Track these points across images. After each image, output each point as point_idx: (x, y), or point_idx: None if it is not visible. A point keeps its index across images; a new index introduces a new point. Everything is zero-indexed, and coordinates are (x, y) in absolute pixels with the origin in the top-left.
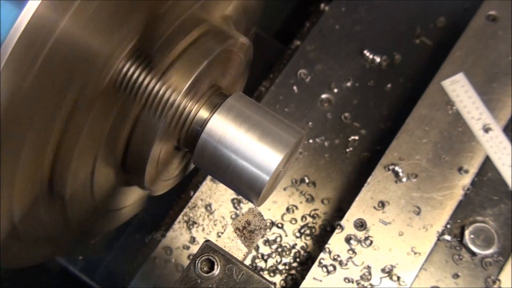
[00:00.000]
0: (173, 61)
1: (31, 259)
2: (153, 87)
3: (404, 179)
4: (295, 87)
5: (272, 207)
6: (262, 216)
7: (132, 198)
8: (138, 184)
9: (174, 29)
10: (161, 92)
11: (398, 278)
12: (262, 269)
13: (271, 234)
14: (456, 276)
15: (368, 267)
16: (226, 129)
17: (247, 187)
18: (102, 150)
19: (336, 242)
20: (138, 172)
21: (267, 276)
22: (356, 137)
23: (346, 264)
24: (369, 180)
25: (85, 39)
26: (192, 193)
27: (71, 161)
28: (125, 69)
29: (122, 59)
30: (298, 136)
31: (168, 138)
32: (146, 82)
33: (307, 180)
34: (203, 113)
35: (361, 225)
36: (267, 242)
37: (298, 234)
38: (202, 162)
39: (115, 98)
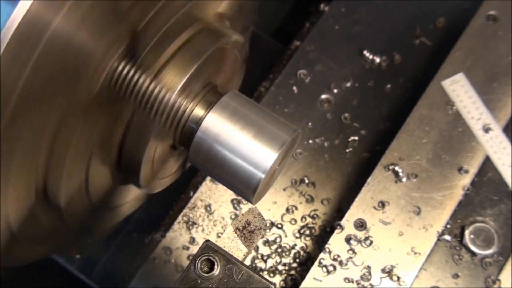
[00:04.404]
0: (167, 59)
1: (28, 258)
2: (148, 86)
3: (404, 179)
4: (294, 88)
5: (271, 208)
6: (262, 216)
7: (129, 196)
8: (134, 182)
9: (168, 28)
10: (155, 91)
11: (398, 278)
12: (261, 270)
13: (270, 235)
14: (456, 276)
15: (368, 267)
16: (221, 127)
17: (243, 185)
18: (97, 150)
19: (336, 242)
20: (133, 171)
21: (266, 277)
22: (356, 138)
23: (346, 264)
24: (369, 180)
25: (78, 39)
26: (191, 193)
27: (64, 164)
28: (119, 69)
29: (116, 59)
30: (294, 134)
31: (163, 136)
32: (140, 81)
33: (306, 181)
34: (198, 111)
35: (361, 225)
36: (266, 242)
37: (297, 235)
38: (198, 160)
39: (109, 97)
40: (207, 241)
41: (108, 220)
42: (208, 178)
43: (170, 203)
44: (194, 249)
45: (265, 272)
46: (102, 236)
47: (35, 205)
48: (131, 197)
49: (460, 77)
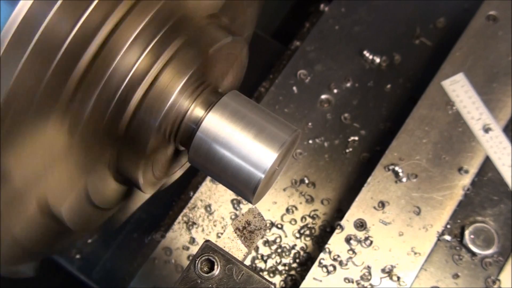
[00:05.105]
0: (167, 61)
1: (30, 259)
2: (147, 87)
3: (404, 179)
4: (294, 88)
5: (271, 208)
6: (262, 216)
7: (128, 197)
8: (134, 182)
9: (167, 29)
10: (156, 90)
11: (398, 278)
12: (261, 270)
13: (270, 235)
14: (456, 276)
15: (368, 267)
16: (221, 127)
17: (242, 185)
18: (96, 151)
19: (336, 242)
20: (133, 170)
21: (266, 277)
22: (356, 138)
23: (346, 264)
24: (369, 180)
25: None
26: (191, 193)
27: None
28: (119, 70)
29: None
30: (293, 134)
31: (163, 136)
32: (141, 80)
33: (306, 181)
34: (198, 111)
35: (361, 225)
36: (266, 242)
37: (297, 235)
38: (198, 160)
39: (111, 95)
40: (207, 241)
41: (109, 220)
42: (208, 178)
43: (170, 203)
44: (194, 249)
45: (265, 272)
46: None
47: (37, 214)
48: (129, 197)
49: (460, 77)
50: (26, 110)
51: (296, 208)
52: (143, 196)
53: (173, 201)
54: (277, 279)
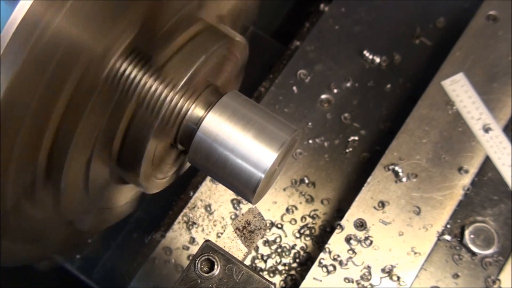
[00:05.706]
0: (168, 58)
1: (25, 258)
2: (149, 85)
3: (404, 179)
4: (294, 88)
5: (271, 208)
6: (262, 216)
7: (127, 196)
8: (133, 181)
9: (170, 27)
10: (156, 89)
11: (398, 278)
12: (261, 270)
13: (270, 235)
14: (456, 276)
15: (368, 267)
16: (221, 127)
17: (242, 185)
18: (97, 147)
19: (336, 242)
20: (133, 169)
21: (266, 277)
22: (356, 138)
23: (346, 264)
24: (369, 180)
25: (79, 38)
26: (191, 193)
27: (66, 156)
28: (121, 66)
29: (118, 56)
30: (293, 134)
31: (163, 135)
32: (141, 79)
33: (306, 181)
34: (198, 111)
35: (361, 225)
36: (266, 242)
37: (297, 235)
38: (198, 160)
39: (111, 94)
40: (207, 241)
41: (104, 220)
42: (208, 178)
43: (170, 203)
44: (194, 249)
45: (265, 272)
46: (98, 235)
47: (35, 183)
48: (128, 197)
49: (460, 77)
50: (26, 110)
51: (296, 208)
52: (140, 195)
53: (173, 201)
54: (277, 279)
